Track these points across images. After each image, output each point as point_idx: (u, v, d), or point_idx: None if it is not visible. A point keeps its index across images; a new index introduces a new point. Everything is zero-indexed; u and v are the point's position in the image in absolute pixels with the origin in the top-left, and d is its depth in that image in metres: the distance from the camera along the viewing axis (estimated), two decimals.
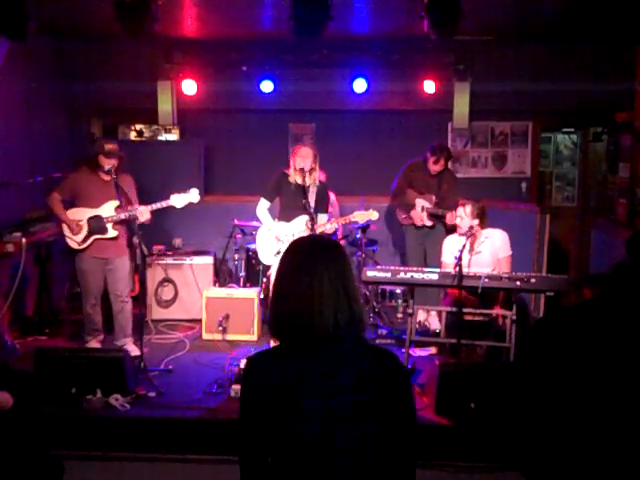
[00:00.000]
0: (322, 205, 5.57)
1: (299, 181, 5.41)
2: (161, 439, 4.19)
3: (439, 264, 5.50)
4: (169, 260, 6.59)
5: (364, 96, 7.34)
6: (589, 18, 6.02)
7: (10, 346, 5.24)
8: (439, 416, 4.25)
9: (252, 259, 6.51)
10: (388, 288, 6.76)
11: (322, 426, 1.76)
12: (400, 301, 6.75)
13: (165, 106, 7.17)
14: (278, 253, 5.42)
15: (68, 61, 7.21)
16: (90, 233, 5.27)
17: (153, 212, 5.25)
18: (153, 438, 4.19)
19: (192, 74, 7.28)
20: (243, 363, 4.67)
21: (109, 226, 5.26)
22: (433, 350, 5.52)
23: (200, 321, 6.09)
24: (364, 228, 6.39)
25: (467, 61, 6.98)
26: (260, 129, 7.77)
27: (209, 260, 6.65)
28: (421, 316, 6.10)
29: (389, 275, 4.90)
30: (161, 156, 7.29)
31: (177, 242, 7.00)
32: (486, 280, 4.71)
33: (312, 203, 5.39)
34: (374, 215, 5.51)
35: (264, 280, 6.29)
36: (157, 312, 6.53)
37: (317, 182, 5.52)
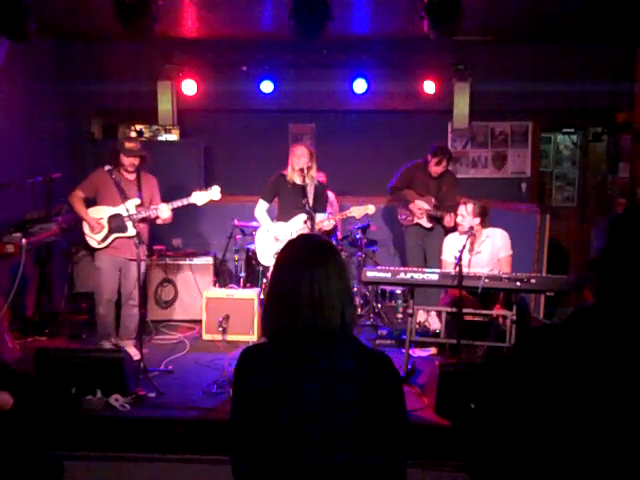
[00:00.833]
0: (320, 204, 5.57)
1: (298, 181, 5.40)
2: (161, 439, 4.18)
3: (439, 264, 5.50)
4: (169, 260, 6.59)
5: (364, 96, 7.35)
6: (589, 18, 6.03)
7: (10, 346, 5.24)
8: (439, 416, 4.25)
9: (252, 259, 6.50)
10: (388, 288, 6.75)
11: (310, 427, 1.75)
12: (400, 301, 6.74)
13: (165, 106, 7.16)
14: (276, 254, 5.41)
15: (68, 61, 7.22)
16: (110, 231, 5.23)
17: (174, 210, 5.23)
18: (153, 438, 4.18)
19: (192, 74, 7.28)
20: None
21: (129, 224, 5.18)
22: (433, 350, 5.52)
23: (200, 322, 6.08)
24: (364, 228, 6.39)
25: (467, 61, 6.99)
26: (260, 129, 7.77)
27: (209, 260, 6.65)
28: (421, 316, 6.10)
29: (389, 275, 4.90)
30: (161, 156, 7.25)
31: (177, 242, 7.00)
32: (486, 280, 4.71)
33: (310, 202, 5.39)
34: (370, 209, 5.52)
35: (264, 281, 6.28)
36: (157, 313, 6.51)
37: (315, 181, 5.52)
